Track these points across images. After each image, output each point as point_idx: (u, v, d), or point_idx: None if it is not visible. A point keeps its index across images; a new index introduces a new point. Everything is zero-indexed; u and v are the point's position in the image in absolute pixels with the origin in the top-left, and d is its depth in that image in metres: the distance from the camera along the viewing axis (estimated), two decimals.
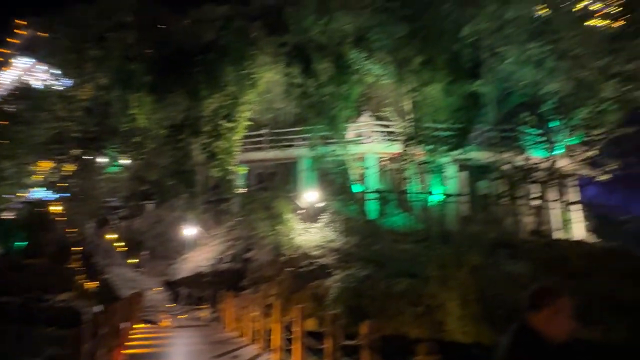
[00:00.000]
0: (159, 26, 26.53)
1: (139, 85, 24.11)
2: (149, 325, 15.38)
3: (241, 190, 24.56)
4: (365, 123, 22.81)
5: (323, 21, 21.71)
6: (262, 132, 24.42)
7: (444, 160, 20.70)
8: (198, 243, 22.97)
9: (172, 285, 21.46)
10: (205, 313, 17.93)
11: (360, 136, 22.50)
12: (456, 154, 20.46)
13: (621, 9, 20.86)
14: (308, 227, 19.92)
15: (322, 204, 21.01)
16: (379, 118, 22.71)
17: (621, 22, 20.36)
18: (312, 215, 20.63)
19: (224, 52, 23.35)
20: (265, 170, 26.05)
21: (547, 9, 20.27)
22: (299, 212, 21.02)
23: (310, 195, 21.20)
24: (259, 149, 24.46)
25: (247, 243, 20.87)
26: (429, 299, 14.07)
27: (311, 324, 14.21)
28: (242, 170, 24.75)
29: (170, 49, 24.27)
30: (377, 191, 21.80)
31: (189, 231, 23.01)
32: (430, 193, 20.78)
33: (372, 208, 21.59)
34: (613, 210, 23.64)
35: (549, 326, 2.12)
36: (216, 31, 23.99)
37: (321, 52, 22.22)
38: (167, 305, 19.70)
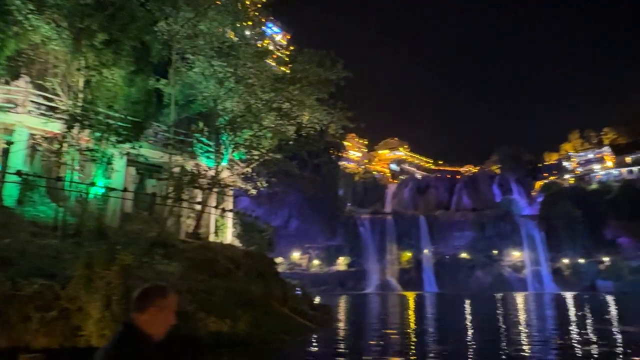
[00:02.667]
0: None
1: None
2: None
3: None
4: (20, 89, 18.52)
5: None
6: None
7: (112, 151, 19.15)
8: None
9: None
10: None
11: (10, 103, 18.05)
12: (127, 147, 19.34)
13: (287, 58, 25.52)
14: None
15: None
16: (40, 87, 18.92)
17: (286, 69, 24.88)
18: None
19: None
20: None
21: (235, 37, 22.50)
22: None
23: None
24: None
25: None
26: (67, 301, 12.49)
27: None
28: None
29: None
30: (20, 173, 17.87)
31: None
32: (91, 184, 18.72)
33: (10, 193, 17.50)
34: (257, 220, 28.02)
35: (153, 325, 2.22)
36: None
37: None
38: None
